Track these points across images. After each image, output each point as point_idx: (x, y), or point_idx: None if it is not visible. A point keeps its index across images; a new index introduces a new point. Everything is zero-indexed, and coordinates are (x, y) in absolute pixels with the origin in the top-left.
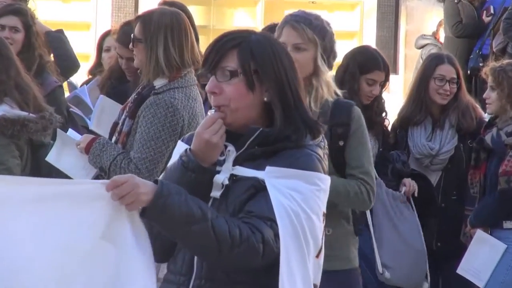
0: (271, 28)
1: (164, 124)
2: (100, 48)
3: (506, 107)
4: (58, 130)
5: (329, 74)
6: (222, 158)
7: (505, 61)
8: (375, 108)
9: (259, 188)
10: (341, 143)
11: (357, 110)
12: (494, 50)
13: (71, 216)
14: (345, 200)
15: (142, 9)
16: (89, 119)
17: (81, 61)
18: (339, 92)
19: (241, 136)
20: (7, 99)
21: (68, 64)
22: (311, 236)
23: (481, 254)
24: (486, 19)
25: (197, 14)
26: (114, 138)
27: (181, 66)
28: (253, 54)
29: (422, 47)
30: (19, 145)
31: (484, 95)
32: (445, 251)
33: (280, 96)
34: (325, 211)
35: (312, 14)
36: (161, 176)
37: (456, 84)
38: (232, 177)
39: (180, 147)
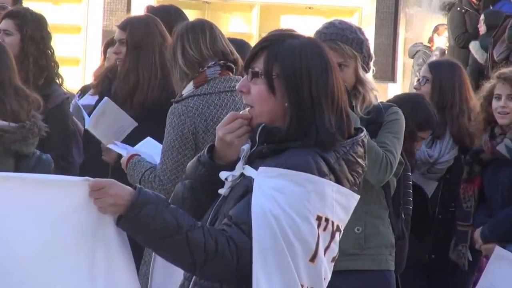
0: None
1: (177, 133)
2: (105, 53)
3: None
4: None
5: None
6: (241, 155)
7: (510, 68)
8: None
9: (250, 188)
10: (373, 140)
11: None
12: (497, 59)
13: (55, 212)
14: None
15: (134, 12)
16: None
17: (71, 65)
18: None
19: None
20: None
21: None
22: (296, 239)
23: (500, 270)
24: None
25: (192, 18)
26: None
27: (201, 60)
28: (277, 59)
29: (414, 55)
30: None
31: (501, 104)
32: (439, 263)
33: (297, 103)
34: (322, 215)
35: (346, 27)
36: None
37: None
38: (242, 175)
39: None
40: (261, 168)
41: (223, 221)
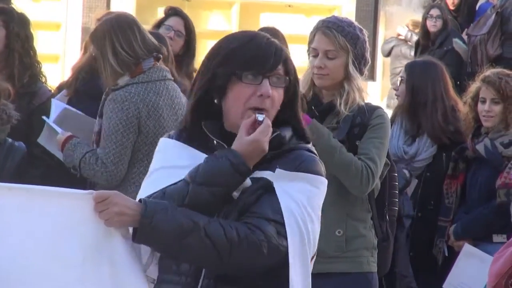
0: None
1: (121, 118)
2: (85, 49)
3: (511, 122)
4: (46, 120)
5: (361, 80)
6: None
7: (494, 70)
8: None
9: (267, 189)
10: (357, 142)
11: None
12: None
13: (60, 224)
14: (345, 170)
15: (114, 9)
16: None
17: (51, 62)
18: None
19: None
20: None
21: None
22: (312, 240)
23: (469, 268)
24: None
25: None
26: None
27: (135, 59)
28: (294, 69)
29: (389, 52)
30: None
31: (486, 108)
32: (417, 261)
33: (295, 104)
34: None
35: (345, 21)
36: (193, 171)
37: None
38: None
39: (165, 144)
40: (278, 171)
41: (245, 215)
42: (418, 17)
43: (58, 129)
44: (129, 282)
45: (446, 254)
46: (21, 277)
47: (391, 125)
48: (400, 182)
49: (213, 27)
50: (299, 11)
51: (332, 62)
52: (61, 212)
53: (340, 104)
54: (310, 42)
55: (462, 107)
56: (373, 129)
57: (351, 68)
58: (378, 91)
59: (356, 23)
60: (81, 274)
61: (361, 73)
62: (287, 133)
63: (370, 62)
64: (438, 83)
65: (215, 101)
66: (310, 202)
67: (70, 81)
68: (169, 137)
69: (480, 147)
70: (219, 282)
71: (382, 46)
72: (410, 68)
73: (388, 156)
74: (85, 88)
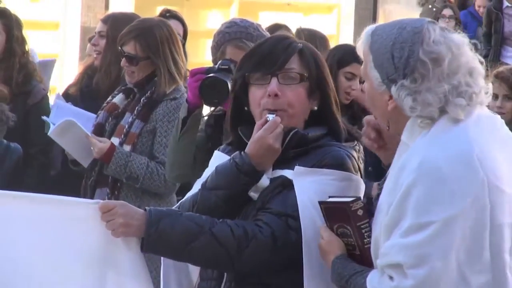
0: (274, 28)
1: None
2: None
3: None
4: (69, 119)
5: None
6: None
7: (508, 66)
8: (355, 108)
9: (286, 186)
10: None
11: None
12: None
13: (64, 234)
14: None
15: (112, 9)
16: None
17: None
18: None
19: None
20: None
21: None
22: None
23: None
24: None
25: None
26: (117, 140)
27: (185, 70)
28: (315, 61)
29: None
30: None
31: (498, 104)
32: None
33: (332, 104)
34: None
35: (249, 25)
36: (207, 178)
37: None
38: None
39: (217, 157)
40: (297, 168)
41: (259, 213)
42: (416, 15)
43: (84, 129)
44: None
45: None
46: (20, 285)
47: None
48: None
49: (212, 26)
50: (297, 9)
51: None
52: (66, 221)
53: None
54: (220, 56)
55: None
56: None
57: None
58: None
59: (255, 22)
60: (84, 285)
61: None
62: (318, 132)
63: None
64: None
65: (245, 107)
66: (330, 195)
67: (75, 81)
68: (219, 149)
69: None
70: (238, 284)
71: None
72: None
73: None
74: (89, 89)
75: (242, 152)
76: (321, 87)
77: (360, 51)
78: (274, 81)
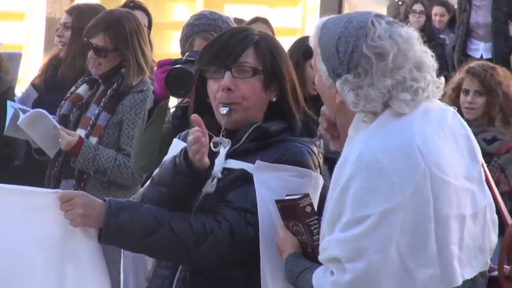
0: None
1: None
2: None
3: (495, 116)
4: (39, 110)
5: None
6: (216, 150)
7: (479, 62)
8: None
9: (246, 180)
10: None
11: None
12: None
13: (23, 224)
14: None
15: (78, 0)
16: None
17: None
18: None
19: (238, 131)
20: None
21: None
22: None
23: None
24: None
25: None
26: (83, 132)
27: (151, 61)
28: (272, 53)
29: None
30: None
31: (469, 99)
32: None
33: (288, 96)
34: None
35: (218, 17)
36: (155, 173)
37: None
38: (225, 170)
39: (176, 145)
40: (258, 163)
41: (218, 205)
42: (382, 8)
43: (52, 120)
44: (92, 282)
45: None
46: None
47: None
48: None
49: (178, 18)
50: (263, 2)
51: None
52: (26, 211)
53: None
54: (188, 48)
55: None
56: None
57: None
58: None
59: (224, 15)
60: (44, 275)
61: None
62: (279, 126)
63: None
64: None
65: (207, 99)
66: (290, 192)
67: (40, 72)
68: (179, 137)
69: None
70: (194, 274)
71: None
72: None
73: None
74: (54, 80)
75: (183, 151)
76: (278, 79)
77: (311, 43)
78: (227, 75)
